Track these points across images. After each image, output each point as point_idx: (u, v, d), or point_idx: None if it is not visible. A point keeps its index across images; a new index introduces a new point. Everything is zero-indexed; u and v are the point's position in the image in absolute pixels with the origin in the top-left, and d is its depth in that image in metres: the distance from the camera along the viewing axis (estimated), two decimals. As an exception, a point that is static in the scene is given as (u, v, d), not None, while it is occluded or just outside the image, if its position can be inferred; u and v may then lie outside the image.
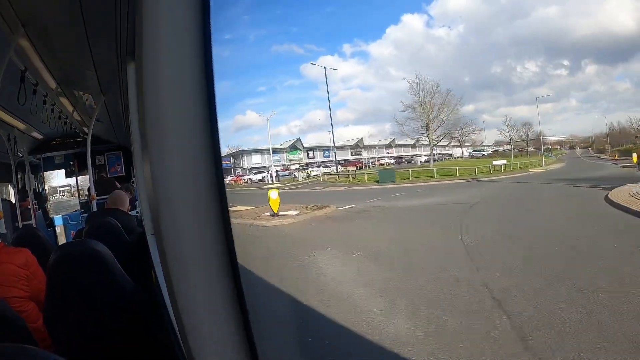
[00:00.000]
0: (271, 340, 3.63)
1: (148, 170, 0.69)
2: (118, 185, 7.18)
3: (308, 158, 44.55)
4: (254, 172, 40.65)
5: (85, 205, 8.34)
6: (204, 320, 0.71)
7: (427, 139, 38.13)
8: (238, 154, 43.18)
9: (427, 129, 37.49)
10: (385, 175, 25.83)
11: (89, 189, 7.24)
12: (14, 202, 7.83)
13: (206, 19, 0.67)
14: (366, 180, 26.71)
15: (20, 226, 7.16)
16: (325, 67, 43.85)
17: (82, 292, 1.79)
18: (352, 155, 46.47)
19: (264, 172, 39.66)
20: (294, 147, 44.63)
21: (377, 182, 25.03)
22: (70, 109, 5.70)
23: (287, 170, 40.82)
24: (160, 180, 0.67)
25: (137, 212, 5.82)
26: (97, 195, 6.75)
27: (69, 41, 3.30)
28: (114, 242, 2.48)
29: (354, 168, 39.74)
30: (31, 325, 1.95)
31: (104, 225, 3.07)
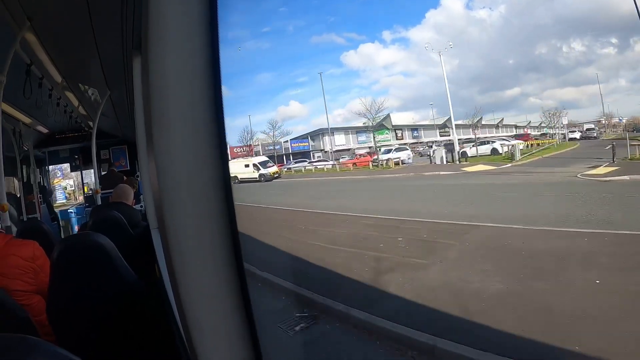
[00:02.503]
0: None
1: (153, 164, 0.69)
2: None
3: (397, 138, 36.69)
4: (394, 148, 29.97)
5: (89, 199, 8.40)
6: (207, 314, 0.70)
7: None
8: (317, 135, 36.23)
9: None
10: None
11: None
12: (19, 195, 7.87)
13: (214, 11, 0.66)
14: None
15: (25, 219, 7.20)
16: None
17: (85, 285, 1.79)
18: (440, 135, 42.38)
19: (405, 149, 29.38)
20: (381, 126, 36.07)
21: None
22: (76, 102, 5.72)
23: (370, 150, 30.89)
24: (165, 174, 0.67)
25: (141, 206, 5.84)
26: (104, 189, 6.78)
27: (75, 35, 3.30)
28: (118, 235, 2.48)
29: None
30: (35, 318, 1.96)
31: (108, 219, 3.08)
